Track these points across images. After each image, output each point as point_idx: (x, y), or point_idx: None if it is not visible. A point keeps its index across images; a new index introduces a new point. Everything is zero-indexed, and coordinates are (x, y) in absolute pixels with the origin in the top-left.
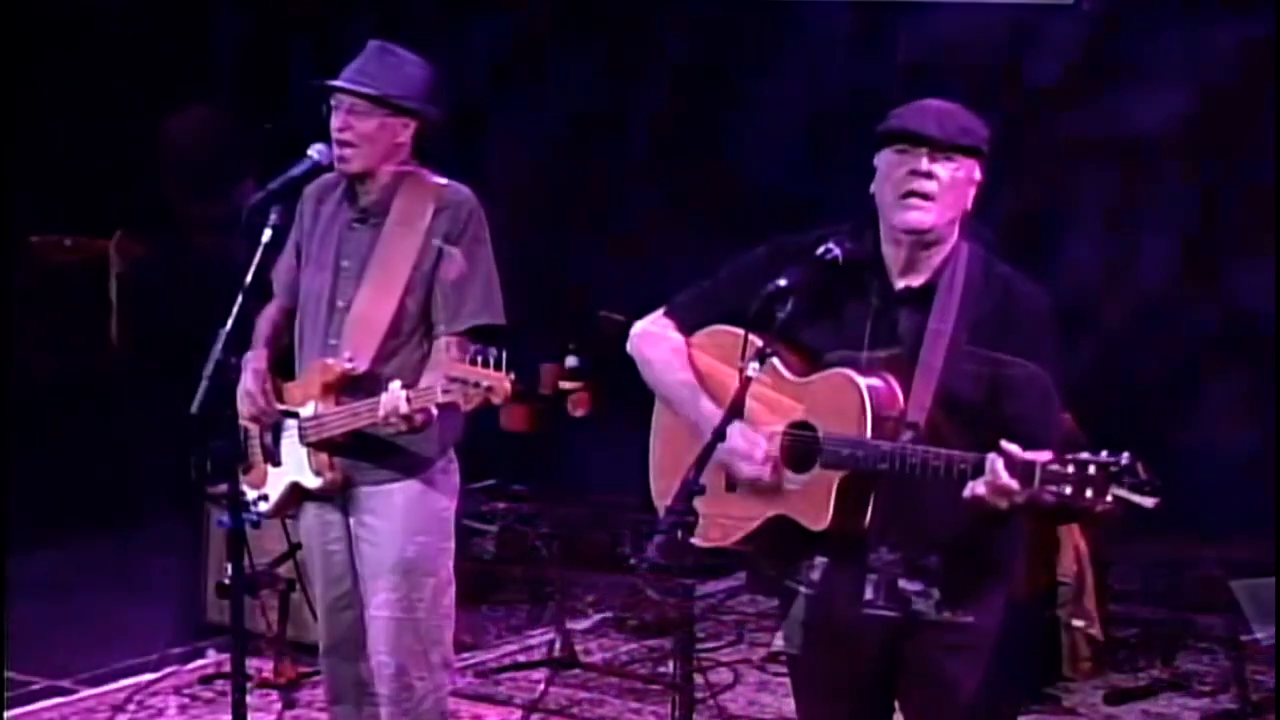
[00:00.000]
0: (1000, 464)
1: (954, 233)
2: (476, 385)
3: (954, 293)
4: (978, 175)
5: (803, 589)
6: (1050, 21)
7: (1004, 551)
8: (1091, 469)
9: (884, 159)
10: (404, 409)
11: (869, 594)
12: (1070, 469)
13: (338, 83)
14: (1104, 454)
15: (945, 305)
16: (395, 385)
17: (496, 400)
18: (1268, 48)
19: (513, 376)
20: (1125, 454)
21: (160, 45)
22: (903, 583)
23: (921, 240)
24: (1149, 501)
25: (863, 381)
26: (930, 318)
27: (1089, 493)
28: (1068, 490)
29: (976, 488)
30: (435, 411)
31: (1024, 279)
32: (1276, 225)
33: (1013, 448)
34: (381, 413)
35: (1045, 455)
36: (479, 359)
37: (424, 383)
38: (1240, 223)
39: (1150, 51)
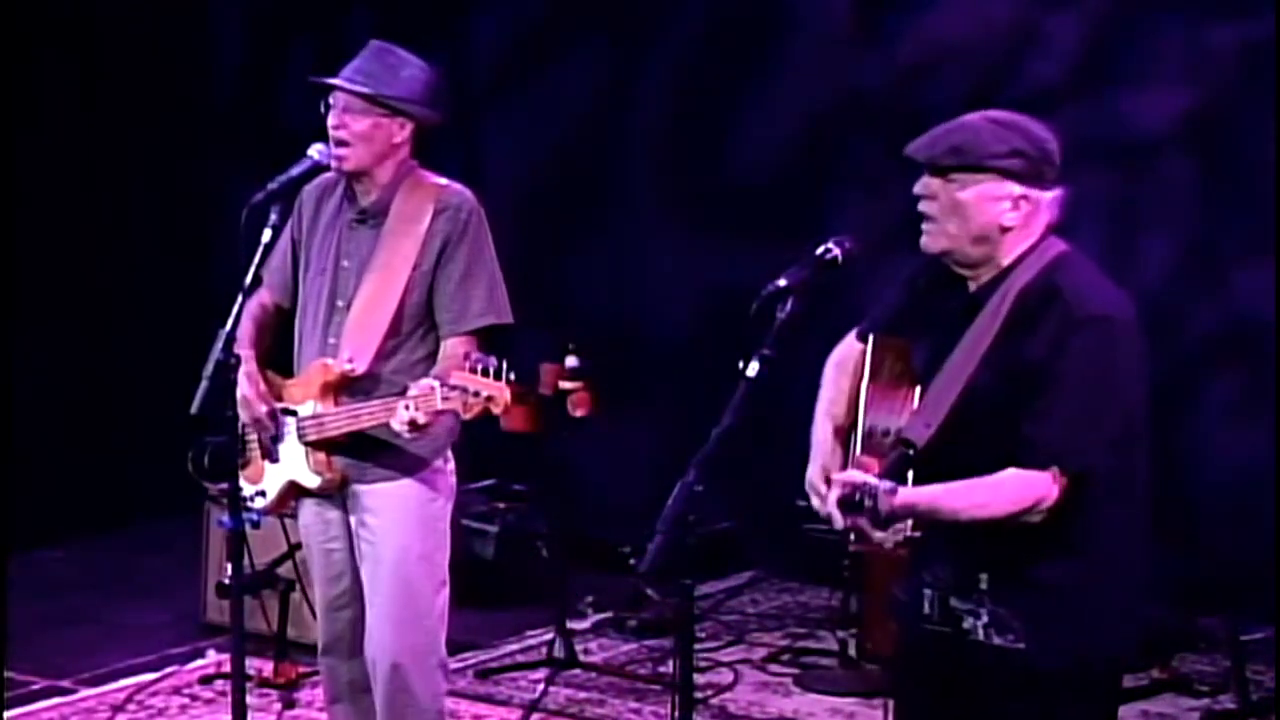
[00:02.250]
0: (833, 494)
1: (999, 248)
2: (476, 394)
3: (1003, 305)
4: (1007, 191)
5: (900, 596)
6: (1050, 21)
7: (1064, 580)
8: (856, 499)
9: None
10: (421, 419)
11: (926, 609)
12: (856, 497)
13: (333, 80)
14: (868, 483)
15: (988, 320)
16: (402, 404)
17: (496, 410)
18: (1268, 48)
19: (512, 379)
20: (873, 485)
21: (160, 45)
22: (954, 600)
23: (953, 261)
24: (878, 535)
25: (864, 398)
26: (968, 331)
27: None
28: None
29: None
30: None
31: (1087, 285)
32: (1277, 225)
33: (849, 474)
34: (398, 427)
35: (848, 478)
36: (479, 368)
37: (423, 387)
38: (1240, 223)
39: (1150, 51)
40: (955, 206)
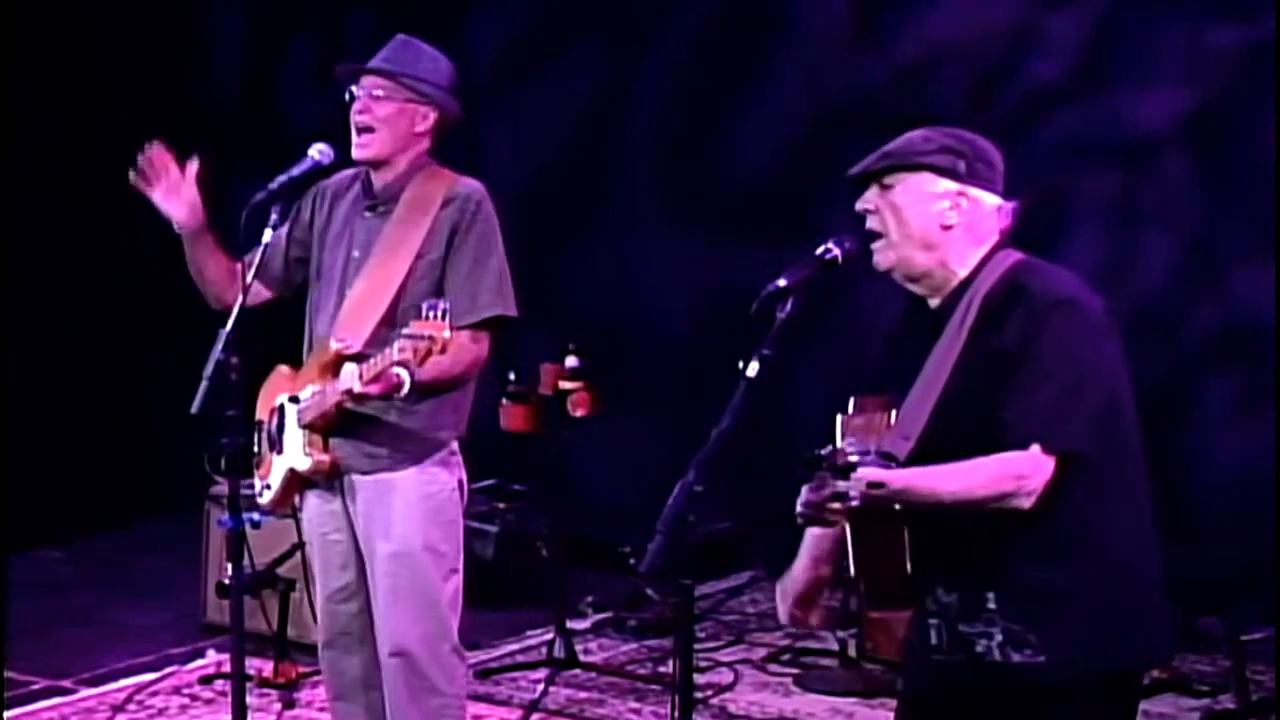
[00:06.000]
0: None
1: (947, 253)
2: (423, 337)
3: (969, 314)
4: (942, 188)
5: (909, 635)
6: (1050, 21)
7: (1073, 584)
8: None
9: None
10: (358, 387)
11: (934, 639)
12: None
13: (359, 66)
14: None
15: (955, 330)
16: (349, 366)
17: (436, 349)
18: (1268, 48)
19: (512, 379)
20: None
21: (160, 45)
22: (962, 626)
23: (905, 276)
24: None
25: (840, 420)
26: (936, 344)
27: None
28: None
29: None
30: (402, 377)
31: (1043, 277)
32: (1277, 225)
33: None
34: (341, 388)
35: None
36: (429, 312)
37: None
38: (1240, 223)
39: (1150, 51)
40: (894, 211)
